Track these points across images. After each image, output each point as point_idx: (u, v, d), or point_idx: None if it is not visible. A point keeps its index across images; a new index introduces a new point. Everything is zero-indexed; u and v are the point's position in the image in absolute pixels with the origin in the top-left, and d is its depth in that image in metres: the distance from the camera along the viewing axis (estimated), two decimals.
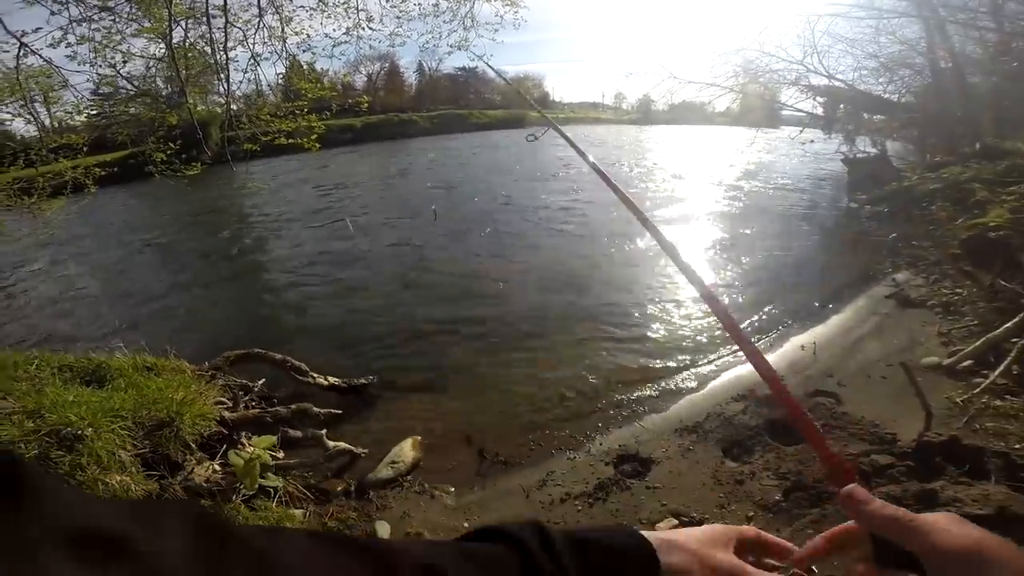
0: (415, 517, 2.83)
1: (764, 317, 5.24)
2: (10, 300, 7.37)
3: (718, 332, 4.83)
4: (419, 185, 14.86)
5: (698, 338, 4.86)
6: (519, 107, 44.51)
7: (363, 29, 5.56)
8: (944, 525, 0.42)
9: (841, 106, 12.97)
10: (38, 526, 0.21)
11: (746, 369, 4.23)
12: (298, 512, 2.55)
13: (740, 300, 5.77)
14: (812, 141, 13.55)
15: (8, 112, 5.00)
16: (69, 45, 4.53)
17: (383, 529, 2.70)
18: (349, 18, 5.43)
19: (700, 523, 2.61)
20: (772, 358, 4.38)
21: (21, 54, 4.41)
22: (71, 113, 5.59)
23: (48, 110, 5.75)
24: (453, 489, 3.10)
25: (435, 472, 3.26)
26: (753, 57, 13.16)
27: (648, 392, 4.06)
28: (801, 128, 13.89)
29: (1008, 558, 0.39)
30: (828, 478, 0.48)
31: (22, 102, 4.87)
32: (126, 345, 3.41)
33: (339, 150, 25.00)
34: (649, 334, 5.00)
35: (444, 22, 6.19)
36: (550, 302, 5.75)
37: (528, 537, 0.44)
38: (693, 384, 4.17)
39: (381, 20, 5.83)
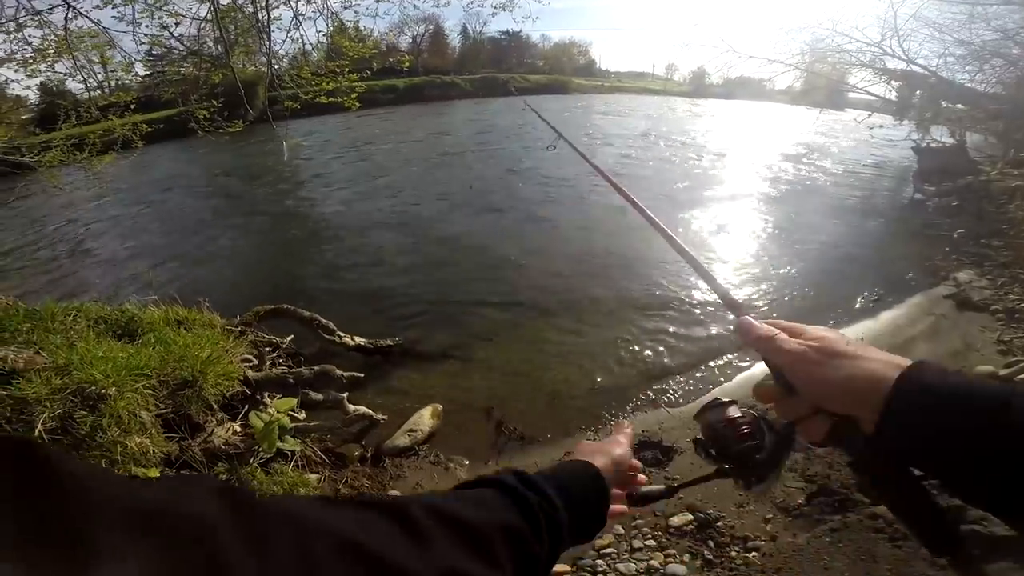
0: (427, 488, 2.84)
1: (808, 306, 5.01)
2: (60, 252, 7.81)
3: (766, 317, 4.61)
4: (457, 151, 14.67)
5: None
6: (562, 73, 43.06)
7: None
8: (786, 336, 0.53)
9: (918, 92, 12.02)
10: (78, 508, 0.21)
11: None
12: (313, 477, 2.60)
13: (785, 288, 5.50)
14: (880, 126, 12.62)
15: (61, 72, 5.14)
16: (115, 6, 4.58)
17: None
18: None
19: (715, 520, 2.56)
20: None
21: (69, 16, 4.49)
22: (123, 73, 5.70)
23: (105, 70, 5.90)
24: (468, 462, 3.10)
25: (452, 443, 3.25)
26: (824, 35, 12.25)
27: (678, 379, 3.95)
28: (870, 112, 12.97)
29: (875, 350, 0.49)
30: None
31: (73, 63, 4.99)
32: (162, 297, 3.50)
33: (381, 110, 24.96)
34: (684, 322, 4.80)
35: None
36: (584, 283, 5.61)
37: (510, 479, 0.52)
38: (726, 374, 4.03)
39: None
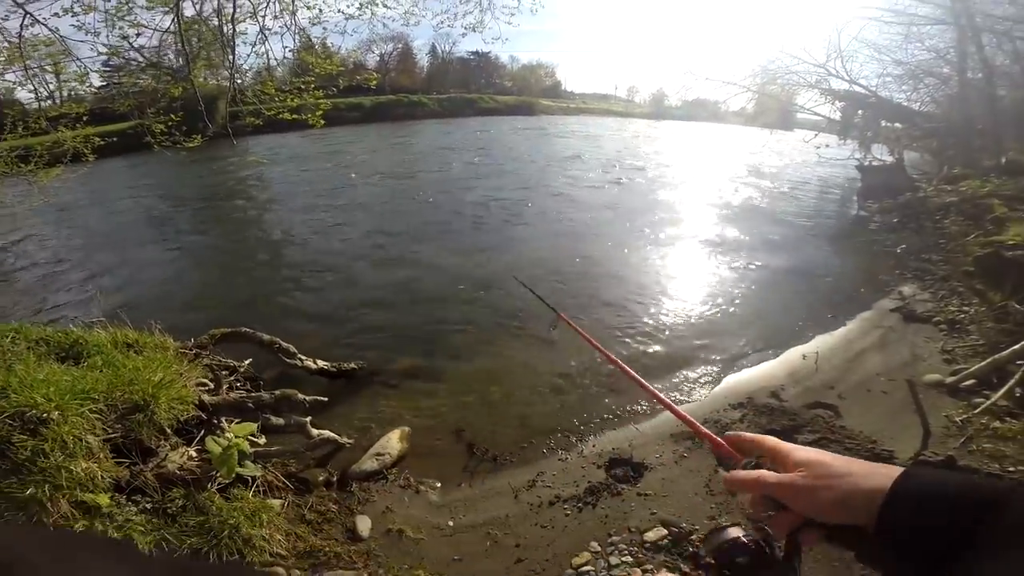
0: (398, 512, 2.77)
1: (765, 324, 5.13)
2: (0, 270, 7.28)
3: (718, 341, 4.78)
4: (423, 168, 14.68)
5: (699, 344, 4.77)
6: (529, 95, 44.05)
7: (377, 6, 5.41)
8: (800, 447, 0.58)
9: (860, 112, 12.83)
10: None
11: (744, 377, 4.23)
12: (276, 503, 2.48)
13: (739, 306, 5.62)
14: (827, 146, 13.43)
15: (10, 80, 4.88)
16: (75, 15, 4.40)
17: (364, 524, 2.63)
18: None
19: (689, 534, 2.57)
20: (774, 365, 4.38)
21: (25, 23, 4.29)
22: (76, 84, 5.46)
23: (58, 79, 5.63)
24: (439, 485, 3.04)
25: (422, 466, 3.19)
26: (774, 57, 13.05)
27: (645, 396, 3.96)
28: (816, 132, 13.80)
29: (852, 460, 0.54)
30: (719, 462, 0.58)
31: (24, 72, 4.75)
32: (111, 318, 3.30)
33: (347, 129, 24.75)
34: (650, 339, 4.90)
35: (460, 2, 6.04)
36: (551, 299, 5.61)
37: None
38: (691, 389, 4.11)
39: None
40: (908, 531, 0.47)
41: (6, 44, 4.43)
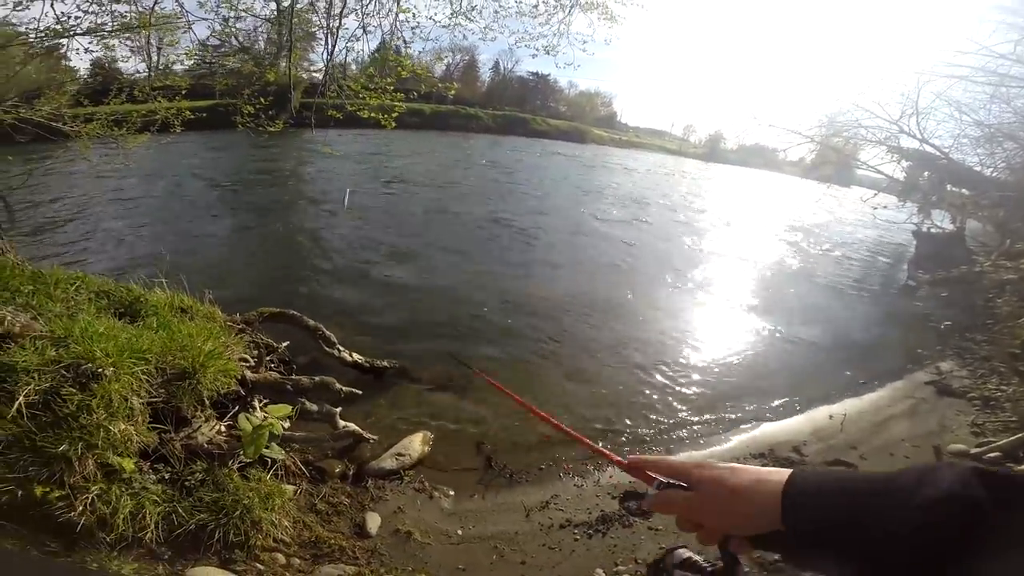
0: (408, 515, 2.77)
1: (794, 382, 5.03)
2: (74, 221, 7.74)
3: (744, 393, 4.73)
4: (481, 179, 14.92)
5: (725, 394, 4.69)
6: (583, 122, 44.39)
7: (465, 17, 5.57)
8: (704, 462, 0.61)
9: (926, 173, 12.15)
10: None
11: (768, 430, 4.21)
12: (290, 488, 2.46)
13: (769, 362, 5.50)
14: (884, 207, 12.77)
15: (128, 47, 5.25)
16: None
17: (373, 521, 2.61)
18: (455, 3, 5.45)
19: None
20: (799, 420, 4.35)
21: None
22: (181, 58, 5.83)
23: (159, 53, 6.04)
24: (453, 493, 3.04)
25: (439, 472, 3.20)
26: (844, 109, 12.53)
27: (669, 435, 3.98)
28: (876, 191, 13.11)
29: (751, 467, 0.56)
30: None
31: (144, 41, 5.10)
32: (169, 282, 3.41)
33: (406, 132, 25.54)
34: (680, 379, 4.83)
35: (539, 24, 6.15)
36: (587, 329, 5.58)
37: None
38: (713, 436, 4.08)
39: (481, 12, 5.83)
40: (812, 529, 0.49)
41: (136, 13, 4.76)
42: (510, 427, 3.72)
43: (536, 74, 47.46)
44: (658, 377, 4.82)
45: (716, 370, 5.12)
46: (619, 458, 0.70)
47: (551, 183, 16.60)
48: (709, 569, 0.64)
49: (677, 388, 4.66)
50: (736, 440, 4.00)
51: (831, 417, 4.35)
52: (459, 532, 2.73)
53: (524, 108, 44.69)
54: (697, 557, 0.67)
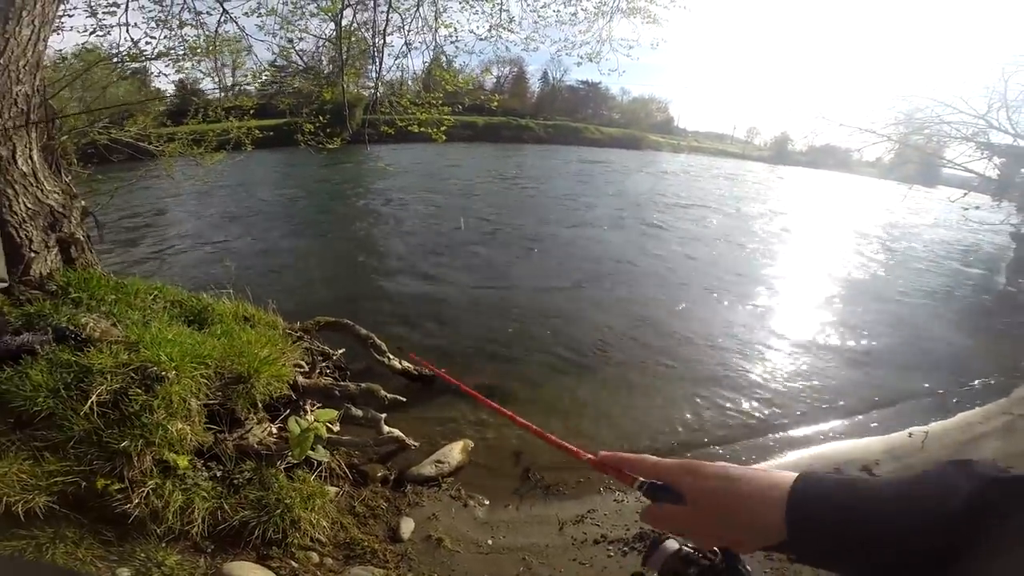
0: (442, 521, 2.79)
1: (876, 398, 4.62)
2: (156, 233, 8.59)
3: (814, 407, 4.45)
4: (537, 190, 14.99)
5: (793, 406, 4.42)
6: (638, 128, 43.45)
7: (504, 29, 5.67)
8: (694, 466, 0.55)
9: (1022, 170, 11.15)
10: None
11: (837, 447, 3.94)
12: (332, 490, 2.53)
13: (844, 373, 5.10)
14: (976, 207, 11.57)
15: (201, 71, 5.78)
16: (260, 15, 5.16)
17: (407, 526, 2.65)
18: (492, 16, 5.56)
19: None
20: (872, 439, 4.06)
21: (221, 20, 5.10)
22: (248, 78, 6.33)
23: (232, 74, 6.59)
24: (488, 502, 3.03)
25: (476, 481, 3.21)
26: (923, 105, 11.55)
27: (722, 453, 3.79)
28: (966, 191, 11.91)
29: (749, 474, 0.51)
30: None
31: (213, 64, 5.60)
32: (236, 291, 3.67)
33: (458, 145, 26.24)
34: (738, 396, 4.56)
35: (579, 32, 6.12)
36: (640, 349, 5.38)
37: None
38: (777, 449, 3.87)
39: (520, 23, 5.90)
40: (823, 550, 0.46)
41: (203, 38, 5.25)
42: None
43: (586, 82, 47.26)
44: (718, 389, 4.59)
45: (780, 382, 4.82)
46: (588, 455, 0.64)
47: (604, 192, 16.36)
48: (707, 564, 0.58)
49: (738, 401, 4.42)
50: (798, 456, 3.77)
51: (911, 435, 4.02)
52: (489, 542, 2.72)
53: (575, 117, 44.54)
54: (689, 548, 0.60)
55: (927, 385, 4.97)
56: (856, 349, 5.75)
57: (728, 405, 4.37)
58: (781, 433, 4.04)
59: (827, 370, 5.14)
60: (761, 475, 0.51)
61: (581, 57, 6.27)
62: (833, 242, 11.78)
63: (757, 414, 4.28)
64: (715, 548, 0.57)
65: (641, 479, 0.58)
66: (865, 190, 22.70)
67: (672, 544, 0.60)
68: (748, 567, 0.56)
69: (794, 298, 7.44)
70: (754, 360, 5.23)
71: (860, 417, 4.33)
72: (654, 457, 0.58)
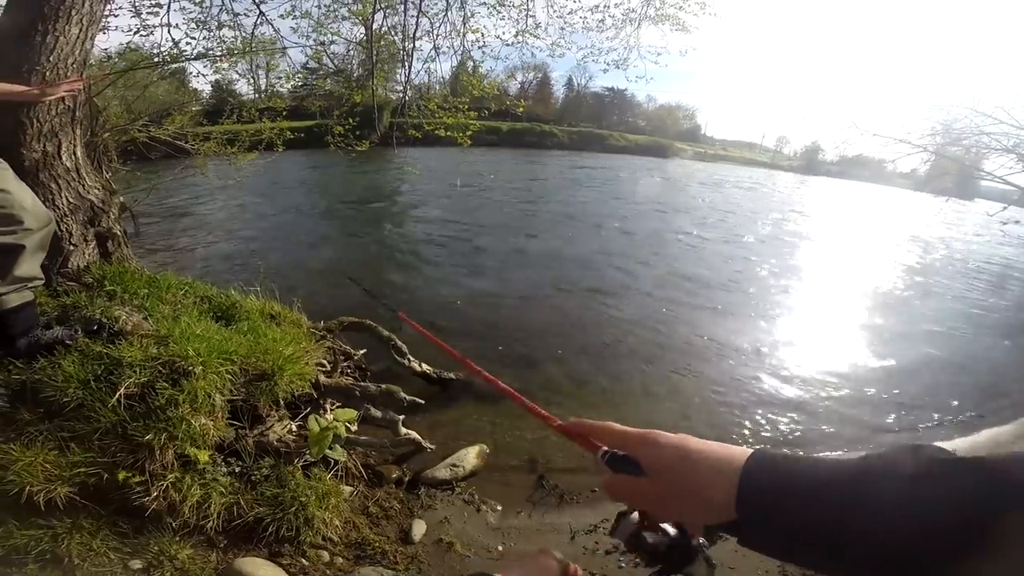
0: (453, 526, 2.78)
1: (904, 414, 4.57)
2: (190, 229, 8.82)
3: (841, 422, 4.35)
4: (562, 194, 14.97)
5: (822, 421, 4.33)
6: (664, 136, 42.98)
7: (530, 35, 5.68)
8: (652, 436, 0.53)
9: None
10: None
11: None
12: (347, 489, 2.53)
13: (877, 389, 4.98)
14: (1016, 222, 11.34)
15: (237, 72, 5.95)
16: (295, 18, 5.30)
17: (419, 528, 2.64)
18: (519, 22, 5.58)
19: None
20: None
21: (258, 22, 5.25)
22: (281, 80, 6.49)
23: (267, 76, 6.76)
24: (500, 508, 3.01)
25: (489, 486, 3.18)
26: (961, 115, 11.13)
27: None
28: (1005, 205, 11.49)
29: (707, 448, 0.49)
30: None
31: (249, 65, 5.75)
32: (264, 289, 3.72)
33: (482, 150, 26.41)
34: (761, 410, 4.46)
35: (607, 39, 6.08)
36: (664, 361, 5.29)
37: None
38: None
39: (546, 29, 5.91)
40: (780, 538, 0.44)
41: (240, 40, 5.40)
42: (568, 446, 3.54)
43: (611, 89, 47.05)
44: (739, 401, 4.52)
45: (807, 398, 4.72)
46: (559, 421, 0.64)
47: (629, 201, 16.24)
48: (666, 538, 0.55)
49: (760, 415, 4.32)
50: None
51: None
52: (499, 548, 2.69)
53: (600, 124, 44.30)
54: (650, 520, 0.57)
55: (956, 403, 4.83)
56: (885, 366, 5.58)
57: (748, 419, 4.27)
58: (803, 451, 3.87)
59: (855, 386, 5.01)
60: (719, 450, 0.48)
61: (608, 64, 6.23)
62: (867, 256, 11.47)
63: (783, 427, 4.18)
64: (675, 522, 0.55)
65: (604, 448, 0.56)
66: (899, 202, 22.03)
67: (636, 516, 0.59)
68: (706, 544, 0.54)
69: (824, 313, 7.25)
70: (780, 375, 5.09)
71: (887, 435, 4.22)
72: (619, 425, 0.56)
